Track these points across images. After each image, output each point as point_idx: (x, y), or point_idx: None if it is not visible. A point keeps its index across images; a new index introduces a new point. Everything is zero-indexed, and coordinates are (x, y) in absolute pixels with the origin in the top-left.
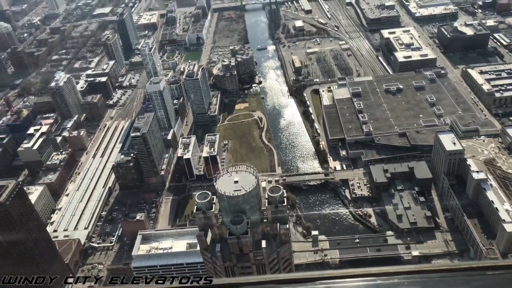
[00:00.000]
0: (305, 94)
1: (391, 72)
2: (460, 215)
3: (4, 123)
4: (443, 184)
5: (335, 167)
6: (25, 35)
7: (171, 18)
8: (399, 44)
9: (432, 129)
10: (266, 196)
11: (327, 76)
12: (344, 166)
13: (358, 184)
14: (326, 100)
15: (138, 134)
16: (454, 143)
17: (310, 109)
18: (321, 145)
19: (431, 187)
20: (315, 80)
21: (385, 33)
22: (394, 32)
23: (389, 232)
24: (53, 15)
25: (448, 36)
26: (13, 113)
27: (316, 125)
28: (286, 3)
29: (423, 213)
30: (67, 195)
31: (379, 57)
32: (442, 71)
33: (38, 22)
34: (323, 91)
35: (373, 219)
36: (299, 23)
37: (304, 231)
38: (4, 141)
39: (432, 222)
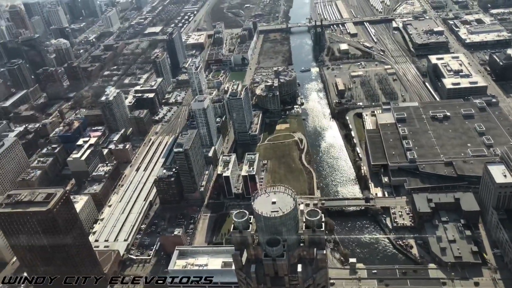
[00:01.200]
0: (347, 117)
1: (438, 99)
2: (511, 253)
3: (57, 133)
4: (491, 218)
5: (376, 194)
6: (81, 51)
7: (218, 38)
8: (448, 71)
9: (481, 160)
10: (304, 220)
11: (371, 100)
12: (385, 193)
13: (400, 213)
14: (369, 124)
15: (180, 149)
16: (505, 176)
17: (352, 133)
18: (362, 170)
19: (478, 220)
20: (358, 103)
21: (433, 58)
22: (442, 58)
23: (432, 265)
24: (107, 33)
25: (501, 63)
26: (65, 125)
27: (358, 149)
28: (331, 27)
29: (469, 248)
30: (109, 206)
31: (426, 83)
32: (493, 100)
33: (94, 39)
34: (366, 115)
35: (414, 250)
36: (344, 46)
37: (342, 258)
38: (56, 151)
39: (478, 258)
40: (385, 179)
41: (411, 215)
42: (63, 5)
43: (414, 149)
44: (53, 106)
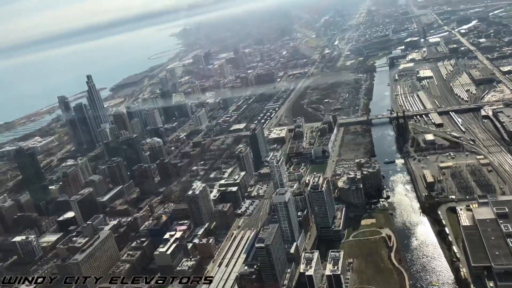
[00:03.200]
0: (439, 212)
1: None
2: None
3: (146, 227)
4: None
5: None
6: (172, 148)
7: (298, 132)
8: None
9: None
10: None
11: (464, 193)
12: None
13: None
14: (464, 220)
15: (262, 245)
16: None
17: (447, 229)
18: (461, 272)
19: None
20: (450, 197)
21: None
22: None
23: None
24: (196, 131)
25: None
26: (154, 219)
27: (455, 248)
28: (414, 117)
29: None
30: None
31: None
32: None
33: (184, 137)
34: (460, 209)
35: None
36: (429, 137)
37: None
38: (144, 244)
39: None
40: (490, 284)
41: None
42: (159, 109)
43: None
44: (144, 201)
